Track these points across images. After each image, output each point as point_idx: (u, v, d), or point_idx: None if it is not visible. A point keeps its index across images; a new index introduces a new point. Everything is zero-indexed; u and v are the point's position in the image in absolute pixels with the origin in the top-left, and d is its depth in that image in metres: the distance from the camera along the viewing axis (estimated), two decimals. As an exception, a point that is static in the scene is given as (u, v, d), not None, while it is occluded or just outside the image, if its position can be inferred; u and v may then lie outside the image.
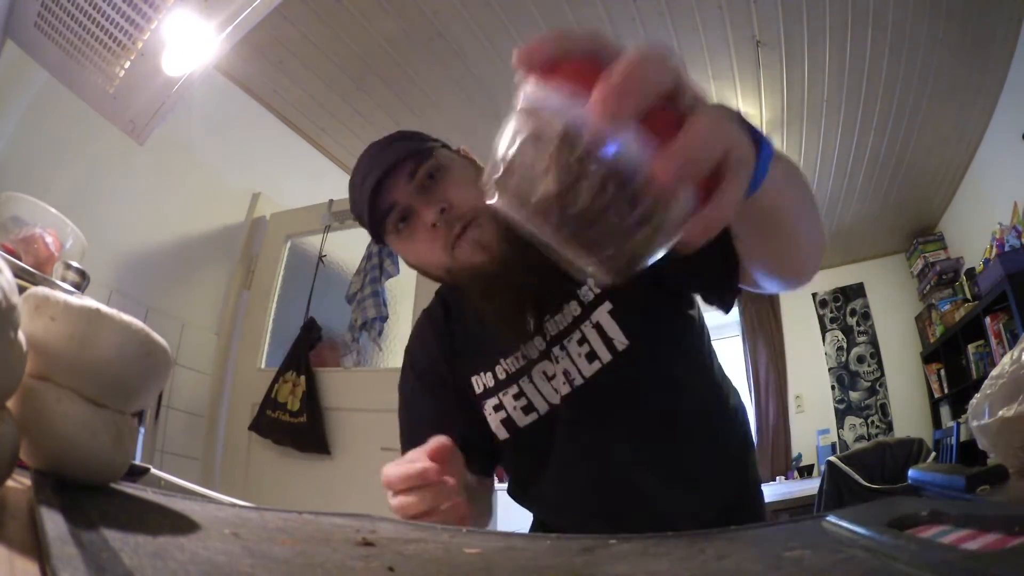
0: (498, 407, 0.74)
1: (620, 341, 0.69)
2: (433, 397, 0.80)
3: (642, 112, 0.25)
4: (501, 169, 0.27)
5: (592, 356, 0.70)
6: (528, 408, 0.73)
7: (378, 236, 0.74)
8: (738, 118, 0.35)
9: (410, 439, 0.77)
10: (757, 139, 0.36)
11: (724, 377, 0.81)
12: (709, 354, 0.79)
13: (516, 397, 0.73)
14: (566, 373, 0.71)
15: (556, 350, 0.71)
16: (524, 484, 0.80)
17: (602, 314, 0.70)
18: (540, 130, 0.26)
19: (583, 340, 0.70)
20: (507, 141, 0.28)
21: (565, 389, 0.71)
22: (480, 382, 0.76)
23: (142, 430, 1.62)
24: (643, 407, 0.71)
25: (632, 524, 0.39)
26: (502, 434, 0.74)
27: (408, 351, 0.86)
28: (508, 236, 0.65)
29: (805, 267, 0.59)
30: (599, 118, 0.25)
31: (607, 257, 0.27)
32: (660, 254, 0.28)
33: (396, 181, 0.69)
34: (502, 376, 0.74)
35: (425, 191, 0.70)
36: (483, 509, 0.82)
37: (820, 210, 0.56)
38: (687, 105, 0.28)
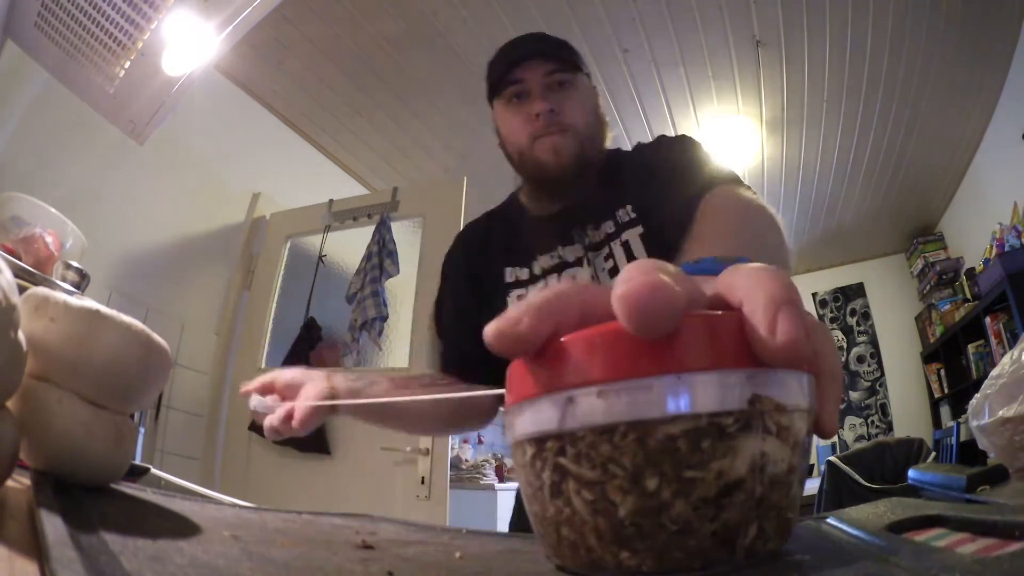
0: (522, 297, 0.79)
1: None
2: (455, 298, 0.88)
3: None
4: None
5: (615, 271, 0.75)
6: None
7: (492, 94, 0.83)
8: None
9: (439, 329, 0.88)
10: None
11: None
12: None
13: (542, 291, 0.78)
14: (592, 279, 0.76)
15: (590, 256, 0.78)
16: None
17: (633, 236, 0.76)
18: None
19: (609, 255, 0.76)
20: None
21: None
22: (513, 274, 0.83)
23: (142, 430, 1.62)
24: None
25: None
26: None
27: (446, 257, 0.93)
28: (579, 158, 0.78)
29: None
30: None
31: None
32: None
33: (539, 67, 0.79)
34: (537, 271, 0.81)
35: (550, 90, 0.79)
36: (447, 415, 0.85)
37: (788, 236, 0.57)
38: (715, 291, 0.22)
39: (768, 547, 0.20)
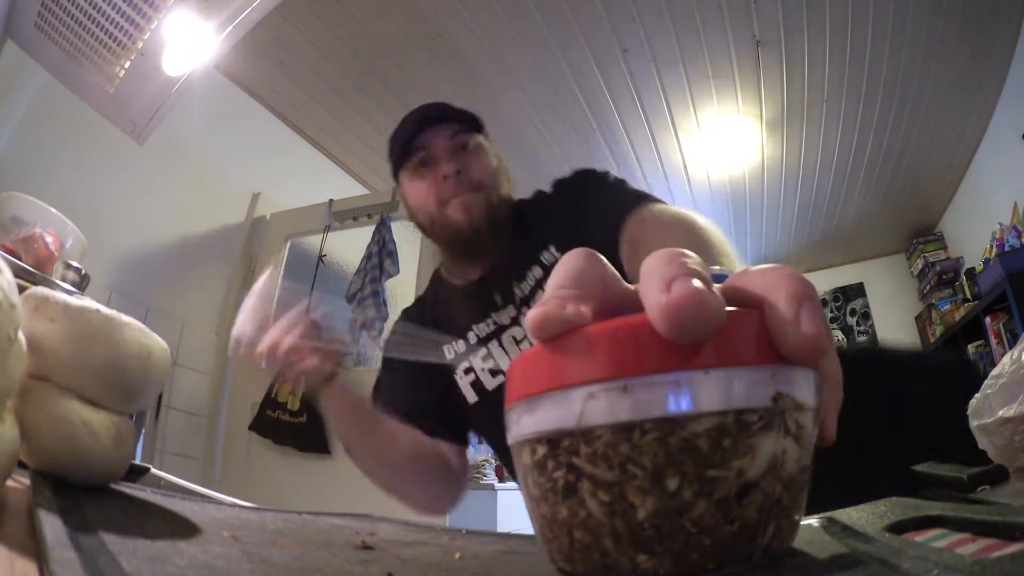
0: (468, 370, 0.81)
1: None
2: (407, 366, 0.88)
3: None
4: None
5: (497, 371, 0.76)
6: (495, 371, 0.78)
7: (397, 167, 0.85)
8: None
9: (379, 396, 0.89)
10: None
11: None
12: None
13: (484, 359, 0.80)
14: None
15: (524, 311, 0.77)
16: (503, 453, 0.86)
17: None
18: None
19: None
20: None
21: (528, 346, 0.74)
22: (452, 349, 0.83)
23: (142, 430, 1.62)
24: None
25: None
26: (471, 397, 0.81)
27: (392, 329, 0.96)
28: (491, 214, 0.79)
29: None
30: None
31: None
32: None
33: (441, 133, 0.81)
34: (472, 340, 0.81)
35: (455, 153, 0.80)
36: (432, 467, 0.85)
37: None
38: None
39: (783, 546, 0.20)
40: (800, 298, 0.19)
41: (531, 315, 0.19)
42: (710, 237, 0.57)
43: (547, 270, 0.76)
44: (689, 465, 0.18)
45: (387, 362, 0.91)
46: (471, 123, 0.84)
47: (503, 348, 0.78)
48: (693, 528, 0.18)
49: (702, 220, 0.61)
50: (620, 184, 0.80)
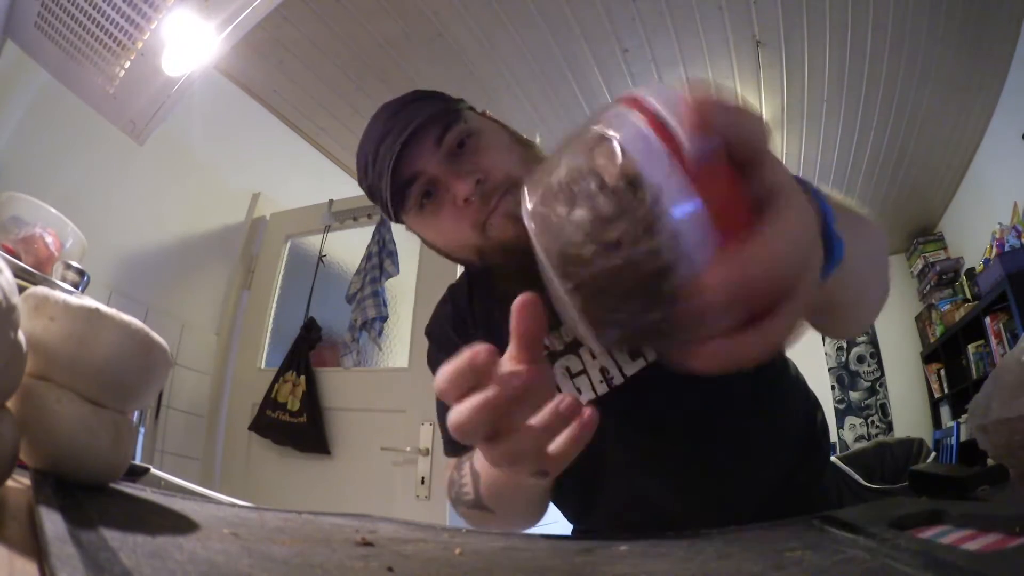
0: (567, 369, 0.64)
1: None
2: None
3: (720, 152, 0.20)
4: (539, 194, 0.23)
5: (636, 352, 0.60)
6: None
7: (395, 213, 0.64)
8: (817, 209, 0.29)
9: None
10: (829, 242, 0.29)
11: (799, 376, 0.70)
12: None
13: None
14: (603, 371, 0.61)
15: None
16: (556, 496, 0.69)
17: None
18: (603, 165, 0.21)
19: None
20: (564, 163, 0.22)
21: (602, 388, 0.61)
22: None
23: (142, 430, 1.62)
24: (707, 420, 0.60)
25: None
26: None
27: (431, 335, 0.77)
28: None
29: (851, 335, 0.56)
30: (690, 128, 0.20)
31: (605, 332, 0.23)
32: (664, 349, 0.23)
33: (421, 149, 0.60)
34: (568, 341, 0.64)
35: (455, 160, 0.60)
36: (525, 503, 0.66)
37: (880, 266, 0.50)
38: (767, 186, 0.22)
39: None
40: (744, 268, 0.20)
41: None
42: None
43: None
44: None
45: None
46: (444, 106, 0.63)
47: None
48: None
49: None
50: None
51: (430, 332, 0.77)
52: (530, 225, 0.23)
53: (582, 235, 0.21)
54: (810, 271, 0.22)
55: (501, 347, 0.62)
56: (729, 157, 0.21)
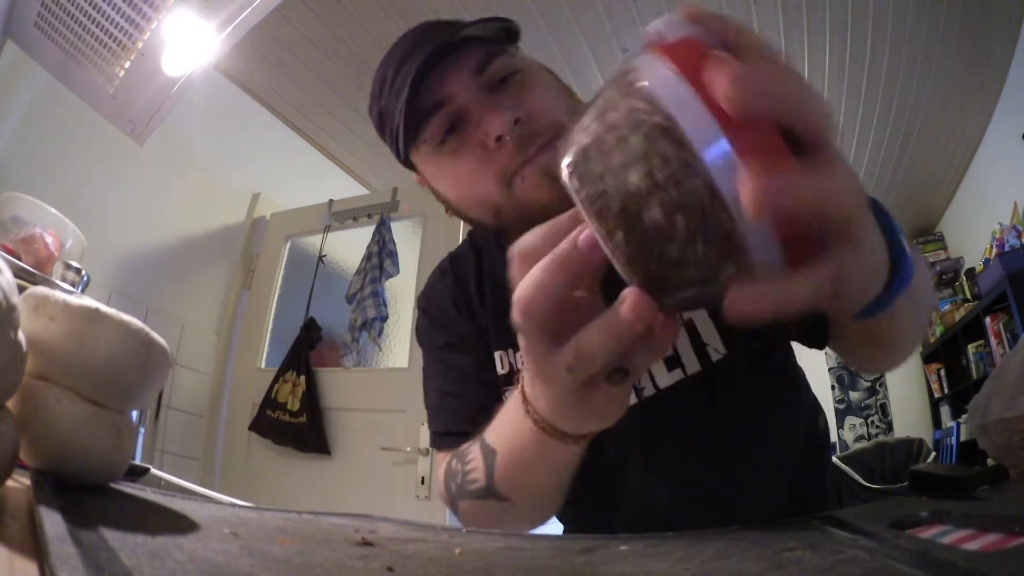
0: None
1: (716, 349, 0.53)
2: (468, 353, 0.62)
3: (771, 127, 0.19)
4: (578, 147, 0.23)
5: (674, 363, 0.53)
6: None
7: (406, 145, 0.53)
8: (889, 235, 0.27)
9: (445, 403, 0.62)
10: (898, 260, 0.27)
11: (809, 389, 0.68)
12: (796, 365, 0.66)
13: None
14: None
15: None
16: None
17: (700, 311, 0.52)
18: (640, 116, 0.21)
19: None
20: (596, 115, 0.23)
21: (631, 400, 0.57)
22: (505, 360, 0.59)
23: (142, 430, 1.62)
24: (729, 433, 0.57)
25: None
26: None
27: (425, 309, 0.68)
28: None
29: (889, 369, 0.52)
30: (732, 104, 0.19)
31: (665, 293, 0.23)
32: (709, 303, 0.23)
33: (457, 70, 0.49)
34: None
35: (494, 93, 0.50)
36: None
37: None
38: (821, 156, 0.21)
39: None
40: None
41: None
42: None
43: None
44: None
45: (441, 359, 0.66)
46: (503, 32, 0.53)
47: None
48: None
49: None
50: None
51: (425, 306, 0.69)
52: (573, 183, 0.23)
53: (635, 182, 0.21)
54: (859, 220, 0.23)
55: (497, 322, 0.56)
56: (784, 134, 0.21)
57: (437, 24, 0.55)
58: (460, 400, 0.61)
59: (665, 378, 0.55)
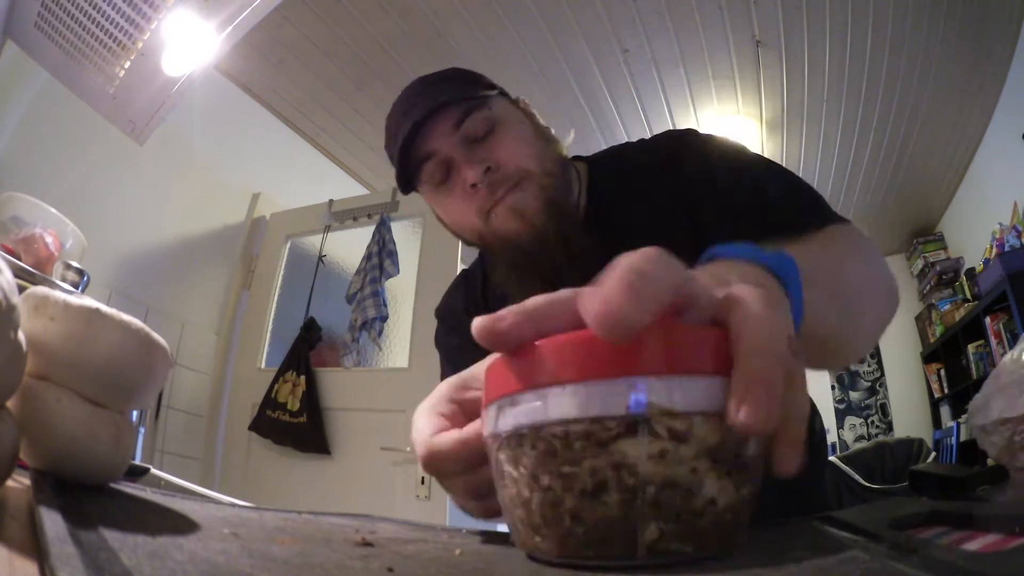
0: None
1: None
2: (477, 352, 0.71)
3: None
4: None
5: None
6: None
7: (406, 185, 0.67)
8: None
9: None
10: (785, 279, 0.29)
11: None
12: None
13: None
14: None
15: None
16: None
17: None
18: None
19: None
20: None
21: None
22: None
23: (142, 430, 1.62)
24: None
25: None
26: None
27: (442, 317, 0.78)
28: (550, 207, 0.60)
29: (849, 363, 0.54)
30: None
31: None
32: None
33: (440, 127, 0.61)
34: None
35: (471, 145, 0.62)
36: None
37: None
38: (717, 310, 0.22)
39: (675, 547, 0.21)
40: (754, 379, 0.20)
41: (474, 321, 0.23)
42: (861, 324, 0.44)
43: None
44: (552, 464, 0.21)
45: (456, 357, 0.74)
46: (477, 91, 0.64)
47: None
48: (567, 517, 0.21)
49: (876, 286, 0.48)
50: (773, 176, 0.59)
51: (442, 315, 0.78)
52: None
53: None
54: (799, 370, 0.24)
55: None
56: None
57: (429, 82, 0.67)
58: None
59: None
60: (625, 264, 0.20)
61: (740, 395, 0.20)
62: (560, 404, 0.21)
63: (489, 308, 0.69)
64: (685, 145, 0.64)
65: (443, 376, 0.72)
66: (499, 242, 0.62)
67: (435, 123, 0.61)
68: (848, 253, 0.49)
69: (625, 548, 0.20)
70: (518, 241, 0.60)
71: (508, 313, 0.22)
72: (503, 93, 0.68)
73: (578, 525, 0.21)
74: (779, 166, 0.63)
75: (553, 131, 0.69)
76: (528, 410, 0.21)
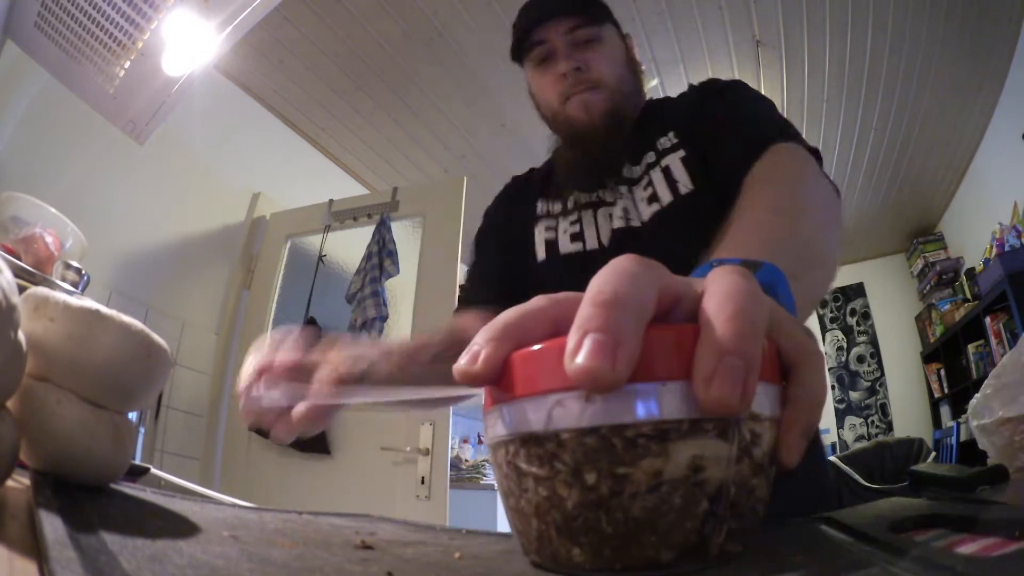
0: (550, 228, 0.81)
1: (685, 184, 0.70)
2: (500, 251, 0.86)
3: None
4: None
5: (653, 198, 0.72)
6: (576, 237, 0.78)
7: (519, 57, 0.83)
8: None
9: (472, 273, 0.87)
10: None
11: None
12: None
13: (572, 223, 0.79)
14: (624, 211, 0.74)
15: (623, 190, 0.76)
16: None
17: (674, 159, 0.73)
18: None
19: (648, 184, 0.74)
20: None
21: (619, 223, 0.74)
22: (545, 206, 0.83)
23: (142, 430, 1.62)
24: (694, 259, 0.64)
25: None
26: (541, 254, 0.81)
27: (485, 213, 0.92)
28: (611, 113, 0.76)
29: (831, 278, 0.56)
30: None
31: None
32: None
33: (558, 26, 0.77)
34: (571, 205, 0.80)
35: (575, 47, 0.77)
36: None
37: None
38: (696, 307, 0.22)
39: (735, 548, 0.20)
40: (721, 353, 0.19)
41: (454, 367, 0.22)
42: (805, 231, 0.47)
43: (659, 154, 0.74)
44: (603, 462, 0.19)
45: (480, 247, 0.89)
46: (596, 14, 0.79)
47: (595, 220, 0.78)
48: (609, 525, 0.19)
49: (817, 195, 0.56)
50: (765, 107, 0.75)
51: (486, 211, 0.92)
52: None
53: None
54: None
55: (547, 187, 0.86)
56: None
57: None
58: (484, 267, 0.87)
59: (646, 210, 0.73)
60: (596, 297, 0.20)
61: (709, 366, 0.18)
62: (649, 404, 0.19)
63: (554, 190, 0.83)
64: (705, 87, 0.80)
65: (472, 273, 0.88)
66: (565, 125, 0.78)
67: (556, 22, 0.77)
68: (803, 170, 0.60)
69: (695, 552, 0.19)
70: (580, 128, 0.76)
71: (481, 343, 0.21)
72: (616, 25, 0.83)
73: (622, 528, 0.19)
74: (757, 93, 0.79)
75: (643, 67, 0.86)
76: (585, 410, 0.19)
